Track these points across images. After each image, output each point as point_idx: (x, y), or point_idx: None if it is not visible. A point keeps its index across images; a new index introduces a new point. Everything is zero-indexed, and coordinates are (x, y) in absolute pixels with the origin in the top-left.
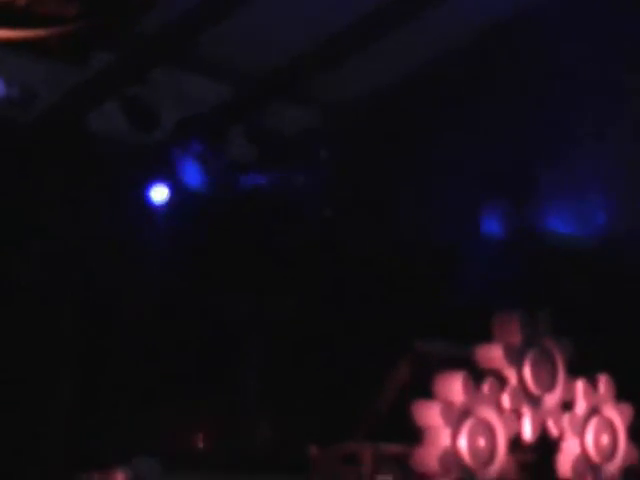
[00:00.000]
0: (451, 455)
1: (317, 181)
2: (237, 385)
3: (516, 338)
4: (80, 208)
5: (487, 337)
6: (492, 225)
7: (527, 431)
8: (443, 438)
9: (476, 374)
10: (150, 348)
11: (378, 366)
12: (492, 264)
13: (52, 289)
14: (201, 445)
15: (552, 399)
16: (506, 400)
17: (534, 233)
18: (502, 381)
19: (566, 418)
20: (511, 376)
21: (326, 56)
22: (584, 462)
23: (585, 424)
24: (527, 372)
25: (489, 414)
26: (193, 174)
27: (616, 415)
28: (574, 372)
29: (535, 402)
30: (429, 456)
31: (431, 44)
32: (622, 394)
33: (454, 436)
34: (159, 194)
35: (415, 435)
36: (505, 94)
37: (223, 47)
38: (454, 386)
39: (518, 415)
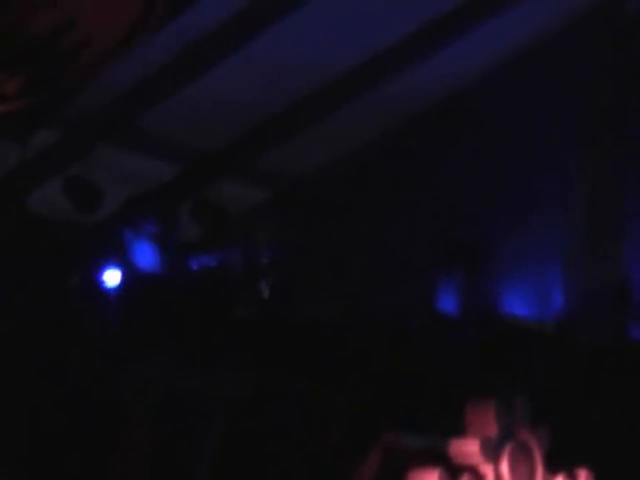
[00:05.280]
0: None
1: (264, 257)
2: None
3: (492, 430)
4: (30, 292)
5: (451, 423)
6: (447, 303)
7: None
8: None
9: (450, 469)
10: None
11: (341, 458)
12: (448, 344)
13: None
14: None
15: None
16: None
17: (491, 313)
18: (479, 478)
19: None
20: (488, 473)
21: (270, 133)
22: None
23: None
24: (505, 468)
25: None
26: (145, 255)
27: None
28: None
29: None
30: None
31: (380, 119)
32: None
33: None
34: (111, 277)
35: None
36: (459, 166)
37: (165, 124)
38: None
39: None
